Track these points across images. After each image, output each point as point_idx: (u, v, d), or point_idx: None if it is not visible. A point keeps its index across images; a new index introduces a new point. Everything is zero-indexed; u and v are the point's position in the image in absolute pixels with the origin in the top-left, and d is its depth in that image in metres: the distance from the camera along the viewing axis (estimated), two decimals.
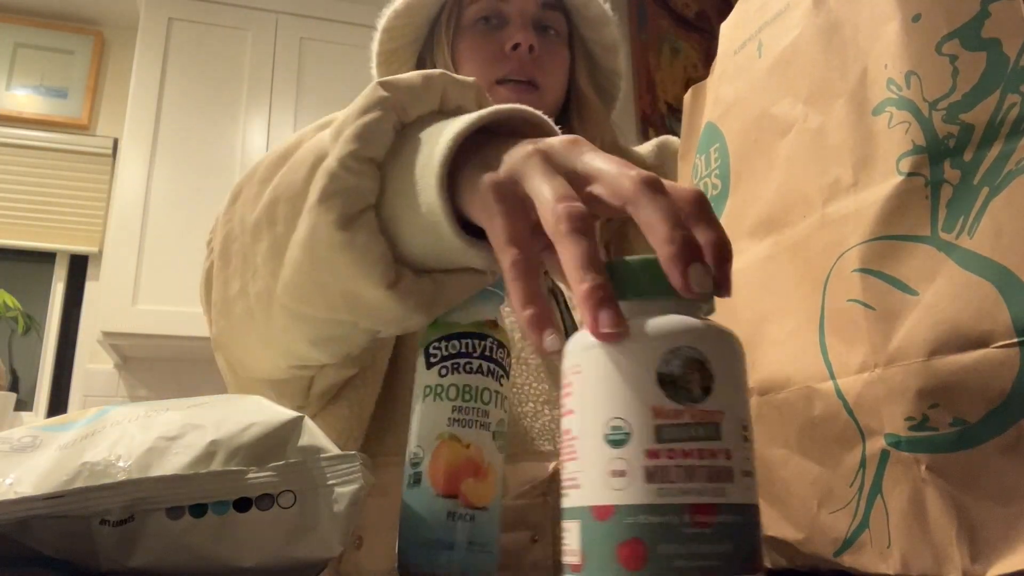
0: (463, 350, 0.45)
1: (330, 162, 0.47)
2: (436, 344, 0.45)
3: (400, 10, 0.92)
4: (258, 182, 0.56)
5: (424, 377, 0.45)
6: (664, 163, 0.96)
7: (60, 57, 3.07)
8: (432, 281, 0.48)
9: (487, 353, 0.45)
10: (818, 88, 0.44)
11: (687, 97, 0.60)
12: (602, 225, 0.88)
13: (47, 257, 2.96)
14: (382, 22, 0.93)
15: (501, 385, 0.45)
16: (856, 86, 0.41)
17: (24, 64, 3.03)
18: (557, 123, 0.94)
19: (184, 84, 2.67)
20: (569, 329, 0.80)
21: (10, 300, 2.72)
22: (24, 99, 3.00)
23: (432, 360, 0.45)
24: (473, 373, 0.44)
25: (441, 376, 0.44)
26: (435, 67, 0.93)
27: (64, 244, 2.93)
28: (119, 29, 3.12)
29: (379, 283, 0.47)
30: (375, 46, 0.95)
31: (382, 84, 0.48)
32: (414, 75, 0.49)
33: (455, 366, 0.44)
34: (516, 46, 0.88)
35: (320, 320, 0.53)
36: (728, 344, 0.33)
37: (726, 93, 0.53)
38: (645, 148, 1.00)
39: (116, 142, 2.97)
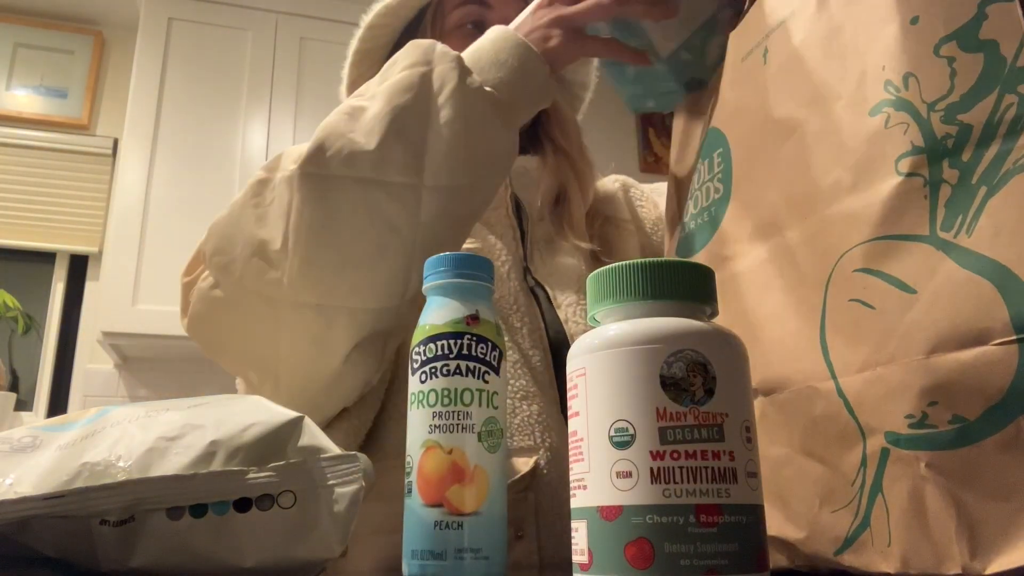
0: (439, 352, 0.44)
1: (447, 67, 0.68)
2: (417, 350, 0.45)
3: (392, 5, 0.93)
4: (343, 135, 0.67)
5: (411, 385, 0.45)
6: (628, 191, 1.00)
7: (60, 57, 3.07)
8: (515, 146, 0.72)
9: (465, 352, 0.44)
10: (819, 92, 0.44)
11: (683, 104, 0.61)
12: (588, 226, 0.89)
13: (47, 257, 2.96)
14: (368, 18, 0.94)
15: (486, 382, 0.44)
16: (855, 88, 0.42)
17: (24, 64, 3.03)
18: (532, 126, 0.96)
19: (184, 84, 2.67)
20: (550, 326, 0.81)
21: (10, 300, 2.72)
22: (24, 99, 3.00)
23: (414, 367, 0.45)
24: (451, 375, 0.44)
25: (422, 382, 0.44)
26: None
27: (64, 244, 2.93)
28: (119, 29, 3.12)
29: (510, 127, 0.69)
30: (354, 43, 0.95)
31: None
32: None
33: (433, 371, 0.44)
34: None
35: (466, 188, 0.68)
36: (731, 346, 0.34)
37: (732, 99, 0.53)
38: (607, 183, 1.02)
39: (116, 142, 2.97)
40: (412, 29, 0.95)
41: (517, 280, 0.82)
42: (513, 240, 0.86)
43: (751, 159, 0.50)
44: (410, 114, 0.66)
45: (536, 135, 0.96)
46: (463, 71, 0.68)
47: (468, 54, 0.71)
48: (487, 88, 0.67)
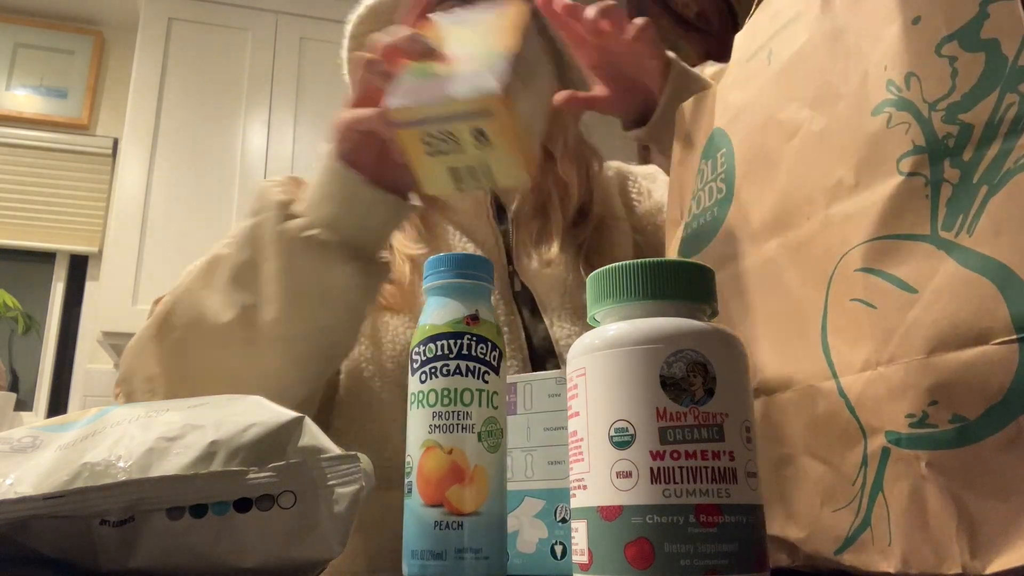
0: (439, 352, 0.44)
1: (270, 215, 0.67)
2: (417, 350, 0.45)
3: (364, 15, 0.91)
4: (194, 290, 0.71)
5: (411, 385, 0.45)
6: (624, 182, 0.98)
7: (60, 57, 3.07)
8: (368, 268, 0.67)
9: (465, 352, 0.44)
10: (822, 92, 0.44)
11: (687, 105, 0.61)
12: (579, 232, 0.88)
13: (47, 257, 2.96)
14: (348, 28, 0.93)
15: (486, 382, 0.44)
16: (857, 88, 0.42)
17: (24, 64, 3.03)
18: None
19: (184, 84, 2.67)
20: (534, 334, 0.81)
21: (10, 300, 2.72)
22: (24, 99, 3.00)
23: (414, 367, 0.45)
24: (451, 375, 0.44)
25: (422, 382, 0.44)
26: None
27: (64, 244, 2.93)
28: (119, 29, 3.12)
29: (346, 261, 0.65)
30: (343, 53, 0.94)
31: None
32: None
33: (433, 371, 0.44)
34: None
35: (305, 334, 0.67)
36: (731, 347, 0.34)
37: (736, 100, 0.53)
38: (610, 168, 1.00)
39: (116, 142, 2.97)
40: None
41: (497, 289, 0.82)
42: (496, 247, 0.86)
43: (754, 159, 0.50)
44: (246, 270, 0.67)
45: None
46: (282, 219, 0.66)
47: (309, 189, 0.69)
48: (306, 233, 0.65)
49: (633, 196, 0.97)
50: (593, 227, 0.89)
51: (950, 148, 0.37)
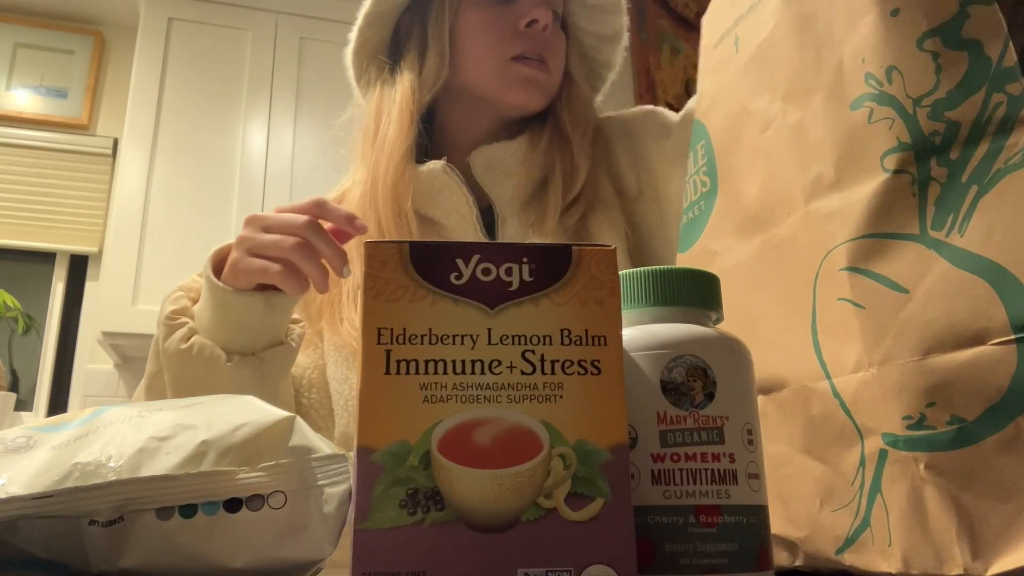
0: None
1: (160, 330, 0.75)
2: None
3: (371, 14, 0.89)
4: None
5: None
6: (646, 124, 0.95)
7: (60, 57, 3.07)
8: (257, 358, 0.74)
9: None
10: (794, 83, 0.43)
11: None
12: (565, 219, 0.86)
13: (47, 257, 2.96)
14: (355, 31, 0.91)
15: None
16: (832, 80, 0.41)
17: (24, 64, 3.03)
18: (547, 106, 0.93)
19: (184, 84, 2.67)
20: None
21: (10, 300, 2.72)
22: (24, 99, 3.00)
23: None
24: None
25: None
26: (414, 31, 0.90)
27: (64, 244, 2.93)
28: (119, 29, 3.12)
29: (228, 362, 0.72)
30: (368, 5, 0.90)
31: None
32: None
33: None
34: (532, 23, 0.86)
35: None
36: (733, 351, 0.34)
37: (708, 88, 0.52)
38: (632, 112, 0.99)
39: (116, 142, 2.97)
40: None
41: None
42: None
43: (732, 152, 0.49)
44: (155, 381, 0.75)
45: (545, 113, 0.91)
46: (165, 332, 0.74)
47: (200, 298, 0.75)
48: (183, 345, 0.72)
49: (624, 170, 0.93)
50: (579, 216, 0.87)
51: (937, 146, 0.36)
